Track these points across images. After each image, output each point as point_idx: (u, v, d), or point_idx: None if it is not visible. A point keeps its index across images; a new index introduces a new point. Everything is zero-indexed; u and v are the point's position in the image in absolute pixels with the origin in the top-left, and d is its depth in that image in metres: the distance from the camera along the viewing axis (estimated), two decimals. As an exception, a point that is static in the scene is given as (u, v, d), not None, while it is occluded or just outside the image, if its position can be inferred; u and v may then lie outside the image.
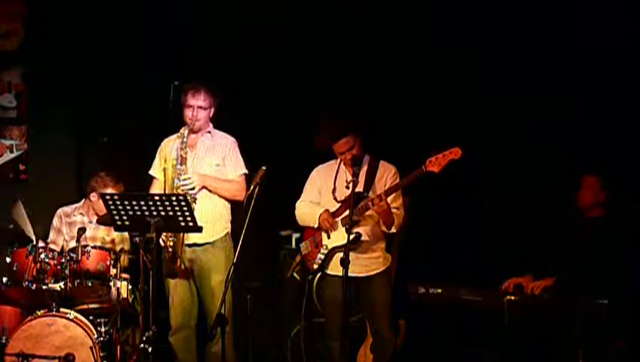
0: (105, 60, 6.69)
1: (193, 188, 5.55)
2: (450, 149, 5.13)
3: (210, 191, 5.66)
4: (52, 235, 6.24)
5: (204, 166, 5.71)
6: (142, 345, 5.04)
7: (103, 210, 5.94)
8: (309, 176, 5.66)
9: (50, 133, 6.83)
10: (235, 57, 6.55)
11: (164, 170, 5.76)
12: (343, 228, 5.33)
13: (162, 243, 5.50)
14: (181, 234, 5.56)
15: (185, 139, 5.63)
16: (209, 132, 5.79)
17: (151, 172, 5.88)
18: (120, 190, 6.09)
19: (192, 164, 5.66)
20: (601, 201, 5.24)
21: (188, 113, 5.68)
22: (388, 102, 6.41)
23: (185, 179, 5.56)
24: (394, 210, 5.31)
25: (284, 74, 6.55)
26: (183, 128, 5.71)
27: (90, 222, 6.17)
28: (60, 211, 6.29)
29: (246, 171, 5.75)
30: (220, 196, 5.71)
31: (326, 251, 5.43)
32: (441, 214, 6.20)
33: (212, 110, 5.76)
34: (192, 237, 5.59)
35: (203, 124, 5.73)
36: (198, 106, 5.66)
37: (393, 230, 5.38)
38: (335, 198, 5.47)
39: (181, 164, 5.62)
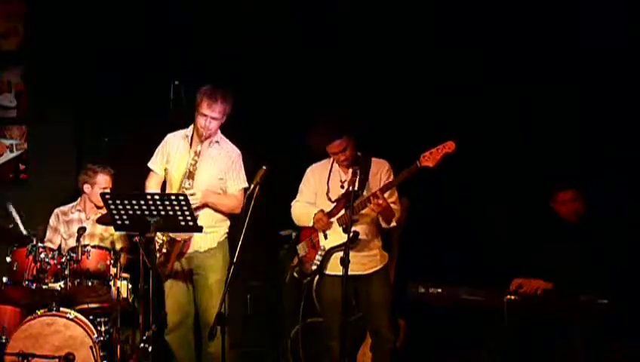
0: (105, 60, 6.69)
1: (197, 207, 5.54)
2: (443, 143, 5.11)
3: (209, 207, 5.67)
4: (48, 234, 6.24)
5: (205, 176, 5.69)
6: (142, 345, 5.04)
7: (99, 200, 5.97)
8: (303, 176, 5.64)
9: (50, 133, 6.83)
10: (235, 57, 6.55)
11: (166, 170, 5.76)
12: (340, 228, 5.34)
13: (156, 245, 5.50)
14: (176, 245, 5.55)
15: (196, 157, 5.61)
16: (217, 142, 5.76)
17: (150, 164, 5.84)
18: (109, 174, 6.11)
19: (195, 172, 5.65)
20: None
21: (200, 121, 5.62)
22: (387, 101, 6.40)
23: (190, 196, 5.53)
24: (392, 205, 5.31)
25: (283, 74, 6.55)
26: (190, 129, 5.69)
27: (88, 218, 6.17)
28: (57, 210, 6.29)
29: (246, 185, 5.70)
30: (217, 211, 5.70)
31: (323, 253, 5.43)
32: (441, 214, 6.20)
33: (225, 118, 5.69)
34: (193, 247, 5.60)
35: (214, 133, 5.71)
36: (212, 117, 5.61)
37: (393, 224, 5.39)
38: (329, 198, 5.47)
39: (188, 178, 5.61)
